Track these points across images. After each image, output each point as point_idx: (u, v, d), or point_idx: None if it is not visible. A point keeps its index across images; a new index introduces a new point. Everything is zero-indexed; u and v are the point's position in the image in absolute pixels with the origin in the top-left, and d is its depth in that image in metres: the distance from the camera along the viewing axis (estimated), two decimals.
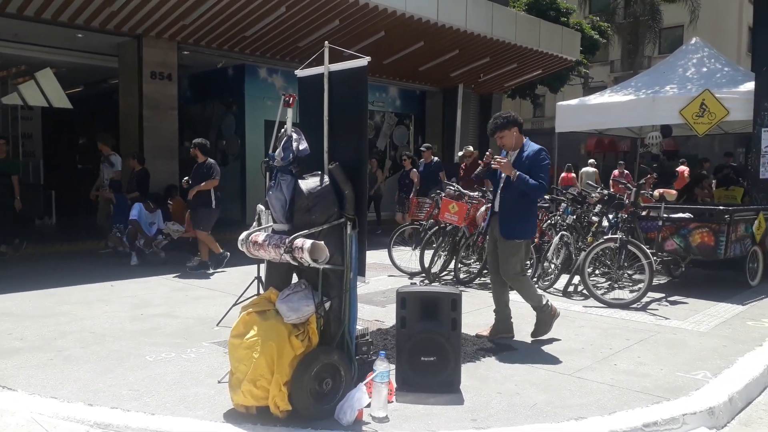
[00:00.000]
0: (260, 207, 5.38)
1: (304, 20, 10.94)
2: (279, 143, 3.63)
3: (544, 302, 4.82)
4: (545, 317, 4.84)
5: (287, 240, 3.31)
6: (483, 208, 7.15)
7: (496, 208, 4.83)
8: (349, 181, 3.53)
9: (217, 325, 5.07)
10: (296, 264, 3.36)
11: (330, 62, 3.75)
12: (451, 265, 7.30)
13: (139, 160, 9.00)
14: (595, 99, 11.01)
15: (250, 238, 3.60)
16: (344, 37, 11.78)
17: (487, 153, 4.92)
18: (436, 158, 11.04)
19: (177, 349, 4.44)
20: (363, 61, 3.60)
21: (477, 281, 7.10)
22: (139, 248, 8.22)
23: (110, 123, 13.44)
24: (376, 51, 12.11)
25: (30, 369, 4.01)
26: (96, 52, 11.69)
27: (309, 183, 3.52)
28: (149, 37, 10.69)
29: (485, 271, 7.05)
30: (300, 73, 4.07)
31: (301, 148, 3.62)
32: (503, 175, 4.72)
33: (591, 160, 17.56)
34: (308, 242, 3.24)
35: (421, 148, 11.19)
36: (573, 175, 16.20)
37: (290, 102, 4.10)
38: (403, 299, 3.70)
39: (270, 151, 3.73)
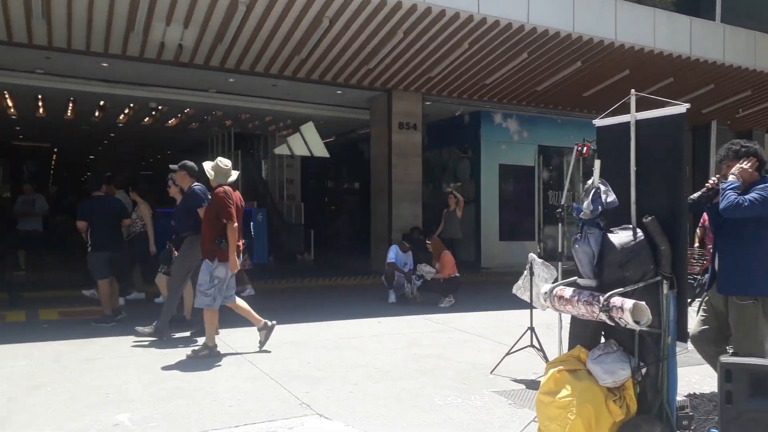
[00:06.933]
0: (532, 255, 5.33)
1: (545, 64, 10.89)
2: (587, 195, 3.54)
3: None
4: None
5: (602, 298, 3.18)
6: None
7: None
8: (665, 235, 3.30)
9: (491, 372, 5.06)
10: (612, 324, 3.20)
11: (624, 111, 3.60)
12: None
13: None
14: None
15: (554, 292, 3.54)
16: (584, 78, 11.49)
17: (715, 178, 3.89)
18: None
19: (461, 394, 4.51)
20: (681, 108, 3.38)
21: None
22: (397, 287, 8.64)
23: (355, 169, 14.71)
24: (617, 89, 11.57)
25: (337, 399, 4.36)
26: (350, 105, 12.98)
27: (621, 237, 3.36)
28: (398, 90, 11.55)
29: None
30: (599, 122, 3.97)
31: (609, 200, 3.48)
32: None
33: None
34: (629, 302, 3.07)
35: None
36: None
37: (584, 152, 4.00)
38: (728, 371, 3.30)
39: (573, 203, 3.67)
